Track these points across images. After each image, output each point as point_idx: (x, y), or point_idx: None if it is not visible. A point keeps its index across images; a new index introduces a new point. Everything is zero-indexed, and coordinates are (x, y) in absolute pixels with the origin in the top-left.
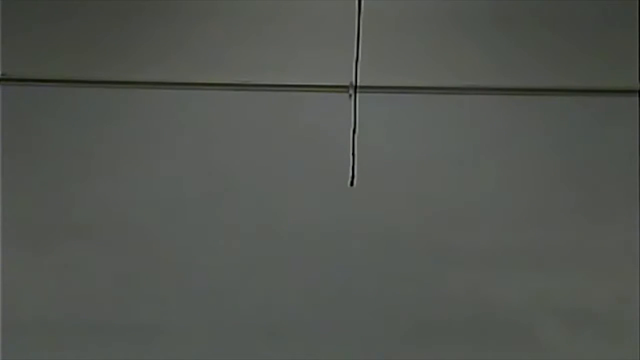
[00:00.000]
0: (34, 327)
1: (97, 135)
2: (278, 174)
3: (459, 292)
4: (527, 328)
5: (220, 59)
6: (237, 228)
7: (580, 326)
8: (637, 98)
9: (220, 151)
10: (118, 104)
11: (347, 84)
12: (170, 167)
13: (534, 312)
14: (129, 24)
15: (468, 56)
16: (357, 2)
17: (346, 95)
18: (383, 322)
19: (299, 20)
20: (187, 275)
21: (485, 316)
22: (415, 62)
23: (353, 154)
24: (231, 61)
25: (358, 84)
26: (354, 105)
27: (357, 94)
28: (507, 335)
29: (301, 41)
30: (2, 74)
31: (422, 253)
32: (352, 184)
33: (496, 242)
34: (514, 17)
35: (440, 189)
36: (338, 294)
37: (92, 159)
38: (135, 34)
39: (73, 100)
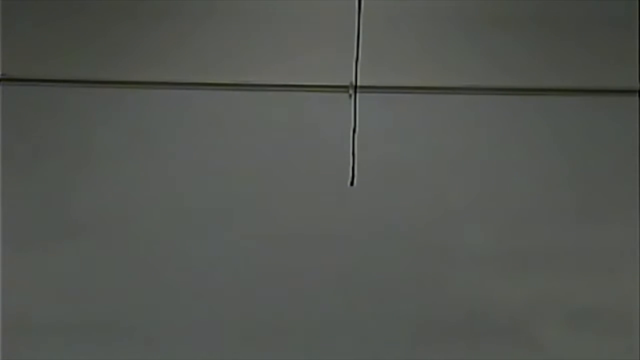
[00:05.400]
0: (34, 327)
1: (97, 135)
2: (278, 173)
3: (459, 292)
4: (527, 328)
5: (220, 59)
6: (237, 228)
7: (580, 326)
8: (637, 98)
9: (220, 151)
10: (118, 104)
11: (347, 84)
12: (170, 167)
13: (534, 312)
14: (129, 24)
15: (468, 56)
16: (357, 2)
17: (346, 95)
18: (383, 322)
19: (299, 21)
20: (187, 275)
21: (485, 316)
22: (415, 62)
23: (353, 154)
24: (231, 61)
25: (358, 84)
26: (354, 105)
27: (357, 94)
28: (507, 335)
29: (301, 41)
30: (2, 74)
31: (422, 253)
32: (352, 184)
33: (496, 242)
34: (514, 17)
35: (440, 189)
36: (338, 294)
37: (92, 159)
38: (135, 34)
39: (73, 100)
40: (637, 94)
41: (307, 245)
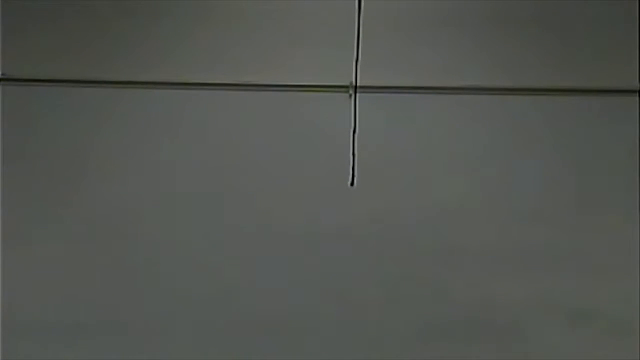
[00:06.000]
0: (34, 327)
1: (96, 135)
2: (278, 173)
3: (459, 291)
4: (527, 328)
5: (220, 59)
6: (237, 228)
7: (581, 326)
8: (637, 98)
9: (220, 151)
10: (118, 104)
11: (347, 84)
12: (170, 167)
13: (534, 312)
14: (129, 24)
15: (468, 56)
16: (357, 2)
17: (346, 95)
18: (383, 321)
19: (299, 20)
20: (187, 275)
21: (485, 316)
22: (415, 62)
23: (353, 154)
24: (231, 61)
25: (358, 84)
26: (354, 105)
27: (357, 94)
28: (507, 335)
29: (301, 41)
30: (2, 74)
31: (422, 253)
32: (352, 184)
33: (496, 242)
34: (514, 17)
35: (440, 189)
36: (338, 294)
37: (91, 158)
38: (136, 34)
39: (73, 100)
40: (637, 94)
41: (307, 245)
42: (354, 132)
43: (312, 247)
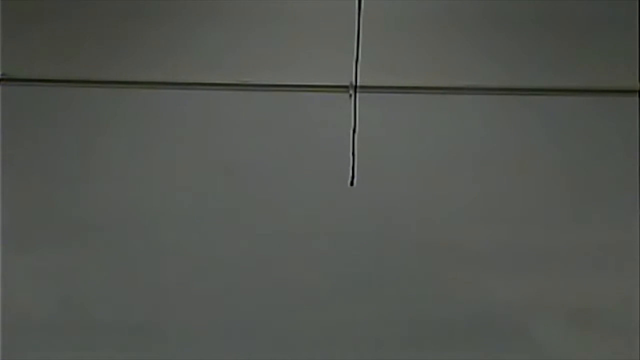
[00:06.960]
0: (34, 328)
1: (97, 135)
2: (278, 173)
3: (459, 292)
4: (527, 328)
5: (220, 59)
6: (237, 228)
7: (581, 326)
8: (637, 98)
9: (220, 151)
10: (118, 104)
11: (347, 84)
12: (170, 167)
13: (534, 312)
14: (129, 24)
15: (468, 56)
16: (357, 2)
17: (346, 95)
18: (383, 322)
19: (299, 20)
20: (187, 275)
21: (485, 316)
22: (415, 62)
23: (353, 154)
24: (231, 61)
25: (358, 84)
26: (354, 105)
27: (357, 94)
28: (507, 335)
29: (301, 41)
30: (2, 74)
31: (422, 253)
32: (352, 184)
33: (496, 242)
34: (514, 17)
35: (440, 189)
36: (338, 294)
37: (92, 159)
38: (136, 34)
39: (73, 100)
40: (637, 94)
41: (307, 245)
42: (354, 132)
43: (312, 247)
